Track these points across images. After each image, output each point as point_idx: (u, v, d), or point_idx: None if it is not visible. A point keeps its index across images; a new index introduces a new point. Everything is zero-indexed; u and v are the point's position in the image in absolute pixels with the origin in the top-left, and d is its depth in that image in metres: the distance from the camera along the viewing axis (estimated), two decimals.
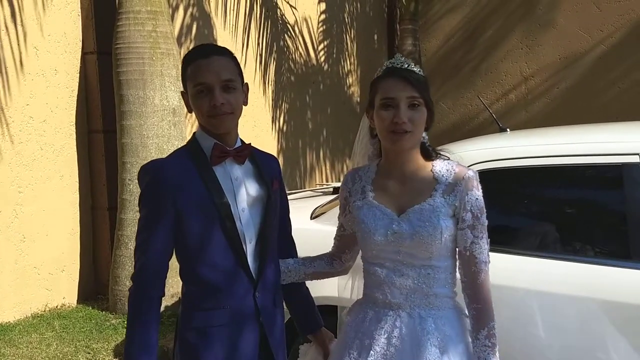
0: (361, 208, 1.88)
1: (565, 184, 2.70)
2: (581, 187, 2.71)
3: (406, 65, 1.82)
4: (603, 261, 2.48)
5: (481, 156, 2.71)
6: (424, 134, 1.86)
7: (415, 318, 1.81)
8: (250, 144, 1.87)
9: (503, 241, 2.67)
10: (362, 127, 1.99)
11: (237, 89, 1.78)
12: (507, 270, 2.50)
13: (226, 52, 1.81)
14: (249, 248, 1.80)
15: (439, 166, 1.84)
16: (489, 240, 1.84)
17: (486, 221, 1.83)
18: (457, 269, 1.88)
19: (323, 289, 2.33)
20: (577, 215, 2.70)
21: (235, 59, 1.83)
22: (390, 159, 1.87)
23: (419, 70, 1.83)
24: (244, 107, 1.83)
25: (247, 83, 1.86)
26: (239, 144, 1.84)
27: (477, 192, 1.81)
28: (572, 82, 7.76)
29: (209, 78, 1.73)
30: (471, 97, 8.28)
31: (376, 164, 1.94)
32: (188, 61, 1.79)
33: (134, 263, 1.79)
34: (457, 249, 1.86)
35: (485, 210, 1.83)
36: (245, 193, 1.81)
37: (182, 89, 1.86)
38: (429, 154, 1.87)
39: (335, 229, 2.07)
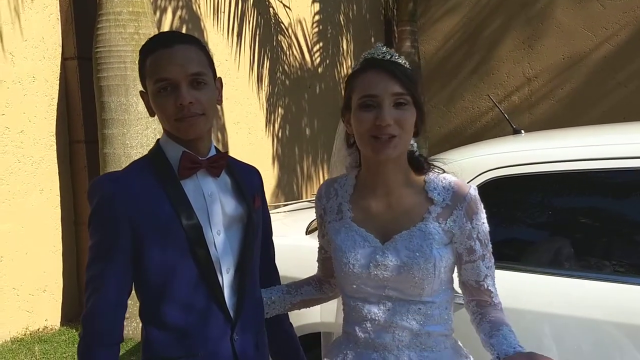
0: (338, 232, 1.55)
1: (592, 190, 2.40)
2: (611, 194, 2.40)
3: (389, 57, 1.50)
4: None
5: (496, 161, 2.40)
6: (412, 141, 1.53)
7: None
8: (227, 152, 1.56)
9: (520, 257, 2.40)
10: (338, 135, 1.65)
11: (209, 85, 1.46)
12: (524, 292, 2.21)
13: (193, 40, 1.49)
14: (226, 280, 1.48)
15: (434, 182, 1.51)
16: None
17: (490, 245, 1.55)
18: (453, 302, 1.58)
19: (303, 315, 2.03)
20: (607, 226, 2.40)
21: (204, 48, 1.50)
22: (371, 171, 1.53)
23: (405, 62, 1.50)
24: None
25: (220, 77, 1.54)
26: (213, 152, 1.52)
27: (483, 214, 1.51)
28: (577, 83, 7.53)
29: (173, 72, 1.41)
30: (472, 100, 8.02)
31: (354, 176, 1.60)
32: (146, 52, 1.46)
33: (84, 301, 1.45)
34: (463, 281, 1.57)
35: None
36: (221, 212, 1.49)
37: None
38: (420, 165, 1.54)
39: None
